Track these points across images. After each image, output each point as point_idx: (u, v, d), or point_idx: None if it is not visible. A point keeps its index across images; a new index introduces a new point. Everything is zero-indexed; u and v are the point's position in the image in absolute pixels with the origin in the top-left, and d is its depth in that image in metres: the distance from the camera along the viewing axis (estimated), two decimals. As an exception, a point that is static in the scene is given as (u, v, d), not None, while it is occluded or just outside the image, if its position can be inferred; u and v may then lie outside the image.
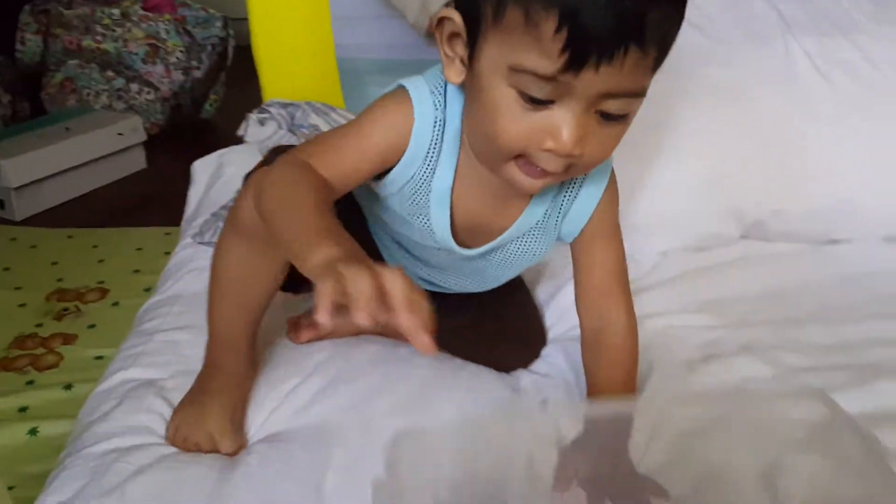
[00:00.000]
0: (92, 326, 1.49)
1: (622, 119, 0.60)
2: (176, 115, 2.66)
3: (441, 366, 0.84)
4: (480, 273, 0.80)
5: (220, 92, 2.81)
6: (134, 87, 2.58)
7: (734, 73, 1.05)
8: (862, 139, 1.04)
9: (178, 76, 2.60)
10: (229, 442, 0.75)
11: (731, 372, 0.82)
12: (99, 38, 2.57)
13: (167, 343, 0.91)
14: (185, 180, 1.40)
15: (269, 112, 1.48)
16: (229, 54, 2.79)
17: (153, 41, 2.57)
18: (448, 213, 0.71)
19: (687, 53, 1.05)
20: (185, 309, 0.96)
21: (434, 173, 0.69)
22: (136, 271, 1.66)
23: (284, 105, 1.48)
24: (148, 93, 2.58)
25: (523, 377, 0.86)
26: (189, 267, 1.08)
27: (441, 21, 0.62)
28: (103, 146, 2.25)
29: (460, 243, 0.74)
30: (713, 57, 1.06)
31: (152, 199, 2.13)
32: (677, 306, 0.96)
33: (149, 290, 1.12)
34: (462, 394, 0.80)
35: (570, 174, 0.65)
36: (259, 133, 1.46)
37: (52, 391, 1.28)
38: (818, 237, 1.09)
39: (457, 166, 0.69)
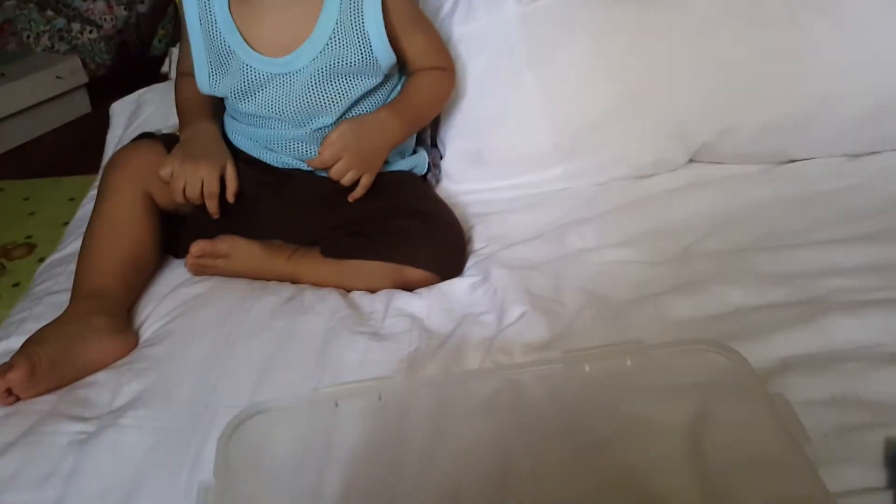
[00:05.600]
0: (16, 285, 1.42)
1: None
2: (123, 54, 2.53)
3: (344, 314, 0.77)
4: (311, 99, 0.86)
5: (170, 26, 2.67)
6: (76, 26, 2.44)
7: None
8: (819, 43, 0.94)
9: (120, 12, 2.46)
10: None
11: (665, 314, 0.75)
12: (34, -26, 2.42)
13: (55, 306, 0.84)
14: None
15: (192, 46, 1.38)
16: (177, -15, 2.64)
17: (91, -25, 2.42)
18: (236, 30, 0.86)
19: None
20: (77, 268, 0.88)
21: (213, 6, 0.86)
22: (66, 223, 1.58)
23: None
24: (90, 31, 2.44)
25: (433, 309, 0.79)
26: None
27: None
28: (41, 91, 2.15)
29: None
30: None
31: (95, 145, 2.02)
32: (615, 240, 0.88)
33: None
34: (365, 342, 0.73)
35: None
36: (183, 68, 1.37)
37: (-32, 356, 1.22)
38: (774, 157, 0.99)
39: None
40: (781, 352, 0.69)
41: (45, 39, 2.45)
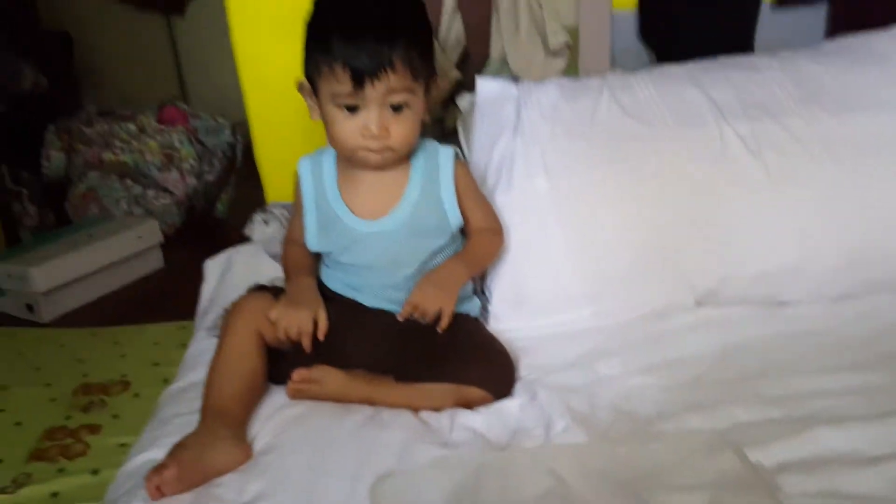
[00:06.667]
0: (116, 416, 1.61)
1: (406, 108, 1.02)
2: (190, 216, 2.83)
3: (417, 428, 0.95)
4: (397, 253, 1.09)
5: (231, 192, 2.99)
6: (151, 193, 2.75)
7: (668, 154, 1.17)
8: (797, 207, 1.15)
9: (191, 181, 2.78)
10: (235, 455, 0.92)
11: (682, 427, 0.92)
12: (118, 151, 2.77)
13: (183, 425, 1.01)
14: (199, 276, 1.51)
15: (272, 213, 1.63)
16: (238, 157, 2.97)
17: (168, 151, 2.76)
18: (342, 201, 1.11)
19: (621, 140, 1.20)
20: (199, 395, 1.06)
21: (324, 185, 1.12)
22: (155, 364, 1.79)
23: (285, 206, 1.63)
24: (164, 197, 2.75)
25: (491, 424, 0.96)
26: (203, 359, 1.17)
27: (301, 87, 1.08)
28: (123, 249, 2.41)
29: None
30: (649, 143, 1.19)
31: (169, 296, 2.27)
32: (637, 368, 1.05)
33: (167, 381, 1.22)
34: (437, 449, 0.90)
35: (396, 151, 1.05)
36: (263, 232, 1.60)
37: (81, 477, 1.40)
38: (769, 300, 1.18)
39: (336, 174, 1.12)
40: (778, 457, 0.84)
41: (123, 204, 2.76)
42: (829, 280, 1.17)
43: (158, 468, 0.87)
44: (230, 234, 1.59)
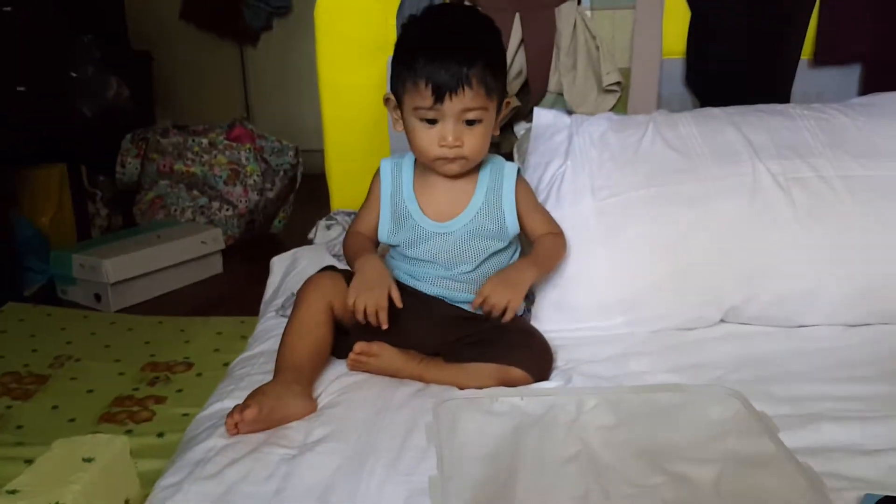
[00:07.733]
0: (179, 391, 1.75)
1: (479, 123, 1.17)
2: (249, 229, 3.00)
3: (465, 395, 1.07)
4: (459, 252, 1.22)
5: (288, 211, 3.16)
6: (215, 204, 2.94)
7: (704, 184, 1.30)
8: (818, 239, 1.26)
9: (253, 196, 2.95)
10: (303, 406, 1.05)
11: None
12: (189, 162, 2.96)
13: (254, 383, 1.15)
14: (253, 283, 1.65)
15: (335, 219, 1.78)
16: (298, 179, 3.15)
17: (235, 166, 2.95)
18: (416, 201, 1.25)
19: (662, 168, 1.33)
20: (268, 361, 1.21)
21: (401, 185, 1.26)
22: (217, 350, 1.94)
23: (347, 213, 1.78)
24: (227, 210, 2.93)
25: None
26: (271, 334, 1.33)
27: (387, 100, 1.23)
28: (188, 252, 2.59)
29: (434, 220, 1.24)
30: (688, 173, 1.32)
31: (226, 298, 2.43)
32: (664, 368, 1.17)
33: (227, 364, 1.35)
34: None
35: (468, 161, 1.20)
36: (326, 235, 1.76)
37: (147, 438, 1.53)
38: (788, 322, 1.29)
39: (413, 177, 1.26)
40: (787, 444, 0.95)
41: (188, 213, 2.94)
42: (844, 308, 1.27)
43: (240, 407, 1.00)
44: (283, 249, 1.71)
